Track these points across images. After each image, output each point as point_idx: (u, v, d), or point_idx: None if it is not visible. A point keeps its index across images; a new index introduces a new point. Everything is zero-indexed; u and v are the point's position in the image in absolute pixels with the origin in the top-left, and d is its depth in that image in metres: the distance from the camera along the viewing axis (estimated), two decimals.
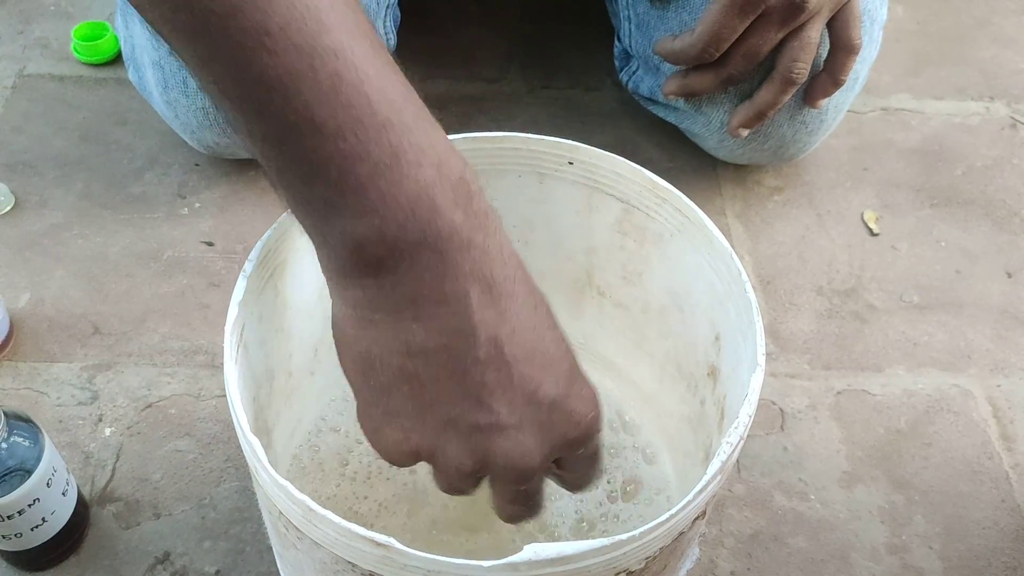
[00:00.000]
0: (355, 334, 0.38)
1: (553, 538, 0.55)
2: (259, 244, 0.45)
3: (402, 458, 0.39)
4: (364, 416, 0.39)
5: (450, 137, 0.37)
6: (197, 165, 0.80)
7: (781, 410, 0.67)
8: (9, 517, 0.51)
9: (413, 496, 0.57)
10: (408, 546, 0.34)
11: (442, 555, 0.34)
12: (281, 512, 0.38)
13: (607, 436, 0.60)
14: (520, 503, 0.40)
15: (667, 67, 0.73)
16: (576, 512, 0.56)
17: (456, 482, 0.39)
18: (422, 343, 0.36)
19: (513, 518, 0.42)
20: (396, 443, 0.38)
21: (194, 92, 0.69)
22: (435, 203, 0.35)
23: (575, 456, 0.40)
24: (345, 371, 0.39)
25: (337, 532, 0.35)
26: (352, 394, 0.40)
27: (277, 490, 0.36)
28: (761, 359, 0.42)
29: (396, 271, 0.35)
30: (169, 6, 0.32)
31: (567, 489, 0.43)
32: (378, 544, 0.34)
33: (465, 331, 0.36)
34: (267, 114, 0.33)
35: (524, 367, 0.37)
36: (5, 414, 0.51)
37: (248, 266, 0.44)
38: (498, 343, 0.36)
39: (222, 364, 0.66)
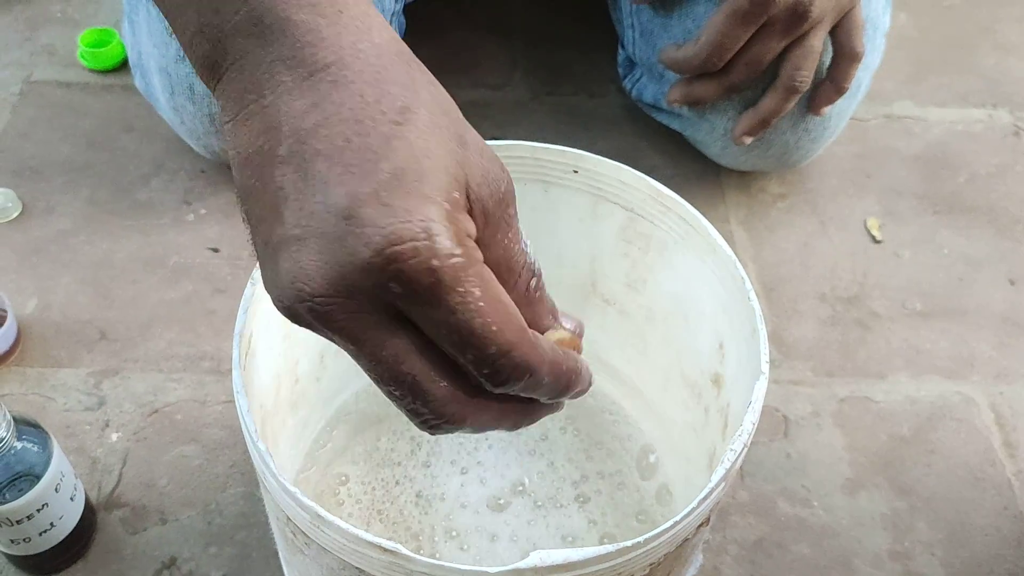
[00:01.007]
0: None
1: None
2: None
3: (284, 306, 0.31)
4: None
5: None
6: (203, 171, 0.80)
7: (784, 417, 0.67)
8: (18, 522, 0.52)
9: (420, 503, 0.57)
10: (415, 552, 0.34)
11: (449, 561, 0.34)
12: (289, 518, 0.38)
13: (611, 437, 0.61)
14: (374, 377, 0.31)
15: (671, 75, 0.74)
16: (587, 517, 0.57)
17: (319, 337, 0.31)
18: (245, 149, 0.31)
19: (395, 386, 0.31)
20: (269, 284, 0.32)
21: (200, 98, 0.70)
22: None
23: (420, 316, 0.30)
24: None
25: (345, 538, 0.35)
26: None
27: (285, 496, 0.36)
28: (765, 367, 0.42)
29: (225, 69, 0.32)
30: None
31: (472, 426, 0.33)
32: (385, 550, 0.34)
33: (273, 126, 0.31)
34: None
35: (323, 164, 0.30)
36: (15, 419, 0.51)
37: (256, 273, 0.44)
38: (301, 135, 0.30)
39: (227, 370, 0.67)
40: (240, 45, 0.31)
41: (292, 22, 0.31)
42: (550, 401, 0.35)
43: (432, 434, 0.34)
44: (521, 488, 0.58)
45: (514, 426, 0.35)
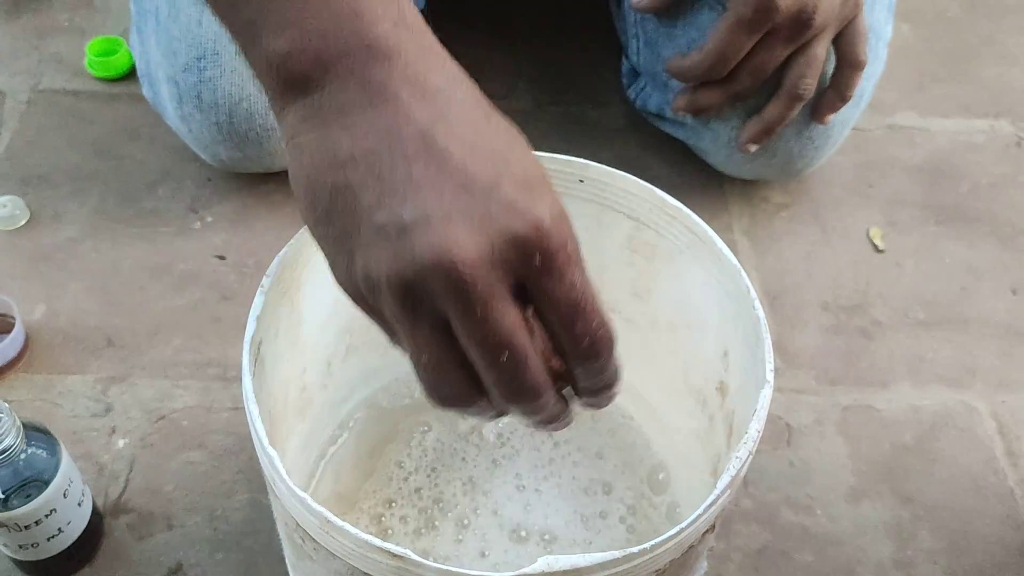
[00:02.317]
0: (295, 165, 0.35)
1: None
2: (276, 260, 0.46)
3: (350, 287, 0.35)
4: (325, 253, 0.36)
5: None
6: (209, 180, 0.81)
7: (788, 425, 0.68)
8: (26, 527, 0.52)
9: (428, 511, 0.57)
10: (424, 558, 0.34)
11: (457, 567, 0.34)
12: (298, 523, 0.38)
13: (616, 443, 0.61)
14: (487, 344, 0.33)
15: (675, 84, 0.74)
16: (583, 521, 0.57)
17: (408, 319, 0.33)
18: (349, 150, 0.33)
19: (499, 378, 0.34)
20: (342, 269, 0.34)
21: (208, 107, 0.70)
22: (359, 13, 0.34)
23: (545, 289, 0.34)
24: (301, 214, 0.36)
25: (354, 543, 0.35)
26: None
27: (294, 501, 0.37)
28: (770, 375, 0.42)
29: (322, 85, 0.34)
30: None
31: (577, 386, 0.37)
32: (394, 555, 0.34)
33: (393, 129, 0.33)
34: None
35: (458, 159, 0.33)
36: (23, 425, 0.51)
37: (266, 281, 0.45)
38: (429, 137, 0.33)
39: (233, 377, 0.68)
40: (347, 65, 0.34)
41: (405, 50, 0.34)
42: (592, 396, 0.38)
43: (512, 400, 0.35)
44: (521, 487, 0.58)
45: (555, 418, 0.38)
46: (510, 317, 0.33)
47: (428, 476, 0.59)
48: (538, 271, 0.33)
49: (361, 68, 0.34)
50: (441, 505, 0.58)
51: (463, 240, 0.32)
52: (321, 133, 0.34)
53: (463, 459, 0.60)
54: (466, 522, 0.57)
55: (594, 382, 0.37)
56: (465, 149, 0.33)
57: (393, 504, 0.58)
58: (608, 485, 0.59)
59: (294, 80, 0.34)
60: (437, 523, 0.57)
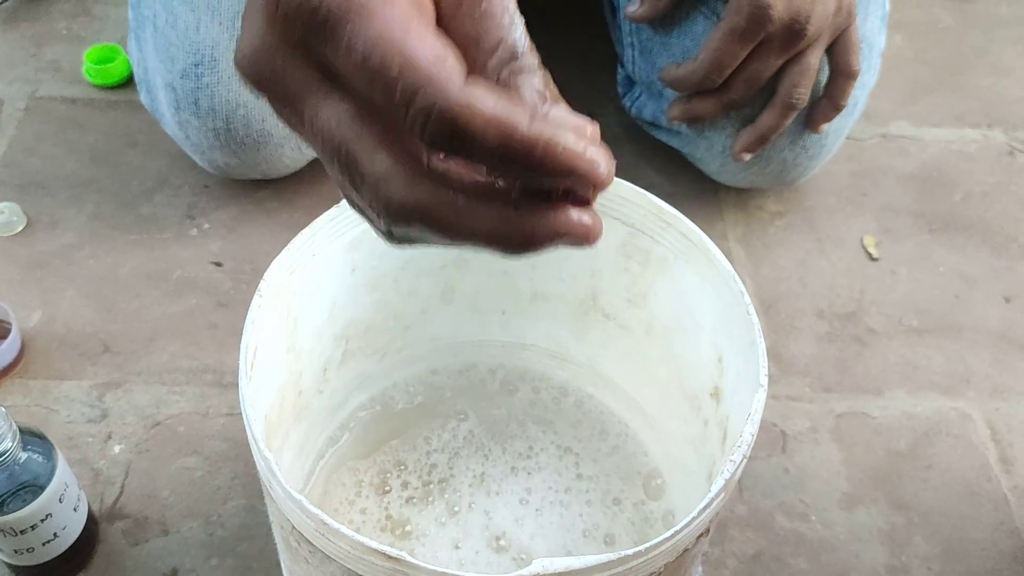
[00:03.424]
0: None
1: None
2: (273, 265, 0.46)
3: (246, 62, 0.30)
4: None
5: None
6: (206, 186, 0.81)
7: (783, 432, 0.68)
8: (22, 532, 0.52)
9: (426, 517, 0.58)
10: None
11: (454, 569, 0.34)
12: (294, 526, 0.38)
13: (612, 452, 0.61)
14: (317, 145, 0.29)
15: (670, 92, 0.75)
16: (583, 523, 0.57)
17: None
18: None
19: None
20: (241, 44, 0.30)
21: (206, 113, 0.70)
22: None
23: (334, 62, 0.27)
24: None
25: (350, 545, 0.36)
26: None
27: (291, 504, 0.37)
28: (763, 379, 0.43)
29: None
30: None
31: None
32: (390, 557, 0.35)
33: None
34: None
35: None
36: (20, 430, 0.51)
37: (262, 287, 0.45)
38: None
39: (229, 383, 0.68)
40: None
41: None
42: (539, 187, 0.28)
43: (390, 237, 0.29)
44: (525, 501, 0.58)
45: (495, 236, 0.28)
46: (320, 109, 0.28)
47: (449, 458, 0.60)
48: (307, 36, 0.28)
49: None
50: (444, 486, 0.58)
51: (244, 32, 0.29)
52: None
53: (485, 456, 0.60)
54: (456, 510, 0.58)
55: (504, 168, 0.27)
56: None
57: (403, 467, 0.59)
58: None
59: None
60: (432, 500, 0.58)
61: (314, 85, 0.28)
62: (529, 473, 0.60)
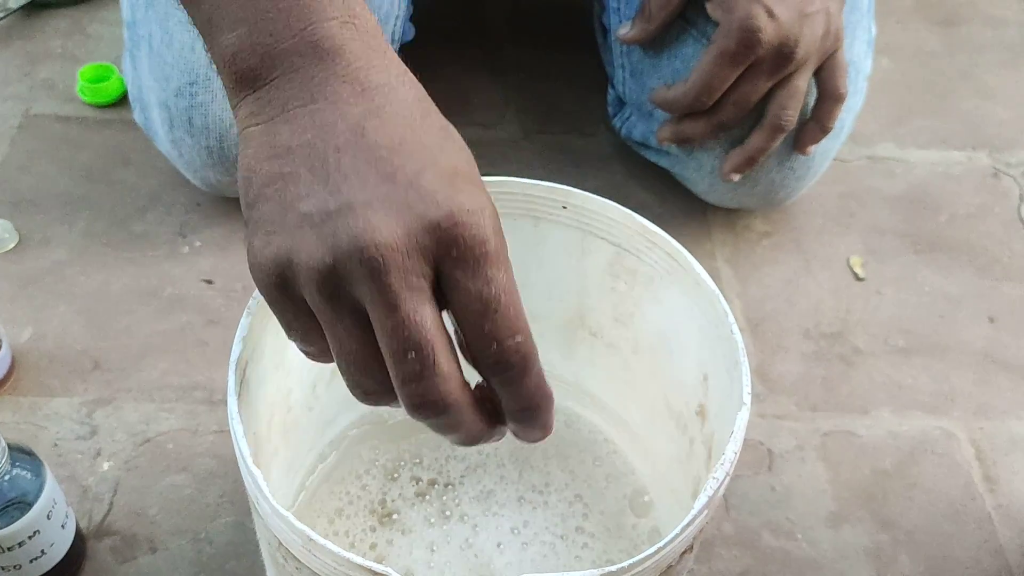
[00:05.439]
0: (242, 155, 0.36)
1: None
2: None
3: (264, 269, 0.35)
4: (247, 235, 0.36)
5: None
6: (199, 204, 0.81)
7: (769, 450, 0.68)
8: (9, 549, 0.52)
9: (411, 536, 0.58)
10: None
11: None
12: (281, 542, 0.39)
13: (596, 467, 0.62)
14: (396, 335, 0.33)
15: (660, 113, 0.76)
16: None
17: (327, 306, 0.34)
18: (286, 142, 0.35)
19: (406, 378, 0.33)
20: (258, 251, 0.35)
21: (199, 131, 0.71)
22: (307, 12, 0.35)
23: (458, 281, 0.33)
24: (241, 200, 0.37)
25: (336, 562, 0.36)
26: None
27: (278, 520, 0.37)
28: (747, 397, 0.43)
29: (270, 81, 0.36)
30: None
31: (504, 402, 0.36)
32: (376, 573, 0.35)
33: (328, 123, 0.34)
34: None
35: (386, 151, 0.34)
36: (8, 446, 0.51)
37: (252, 303, 0.45)
38: (360, 130, 0.34)
39: (219, 400, 0.68)
40: (293, 62, 0.35)
41: (349, 49, 0.35)
42: (515, 421, 0.37)
43: (416, 411, 0.35)
44: (517, 531, 0.59)
45: (474, 437, 0.36)
46: (422, 311, 0.33)
47: (464, 466, 0.61)
48: (453, 261, 0.33)
49: (305, 65, 0.35)
50: (445, 490, 0.59)
51: (381, 224, 0.32)
52: (265, 126, 0.35)
53: (501, 477, 0.61)
54: (447, 514, 0.58)
55: (512, 402, 0.36)
56: (394, 142, 0.34)
57: (419, 463, 0.61)
58: (589, 506, 0.59)
59: (244, 75, 0.36)
60: (429, 499, 0.59)
61: (423, 290, 0.33)
62: (534, 508, 0.60)
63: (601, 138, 0.90)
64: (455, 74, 0.95)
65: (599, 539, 0.58)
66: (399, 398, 0.34)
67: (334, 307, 0.33)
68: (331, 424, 0.60)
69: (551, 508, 0.59)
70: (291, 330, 0.36)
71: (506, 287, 0.34)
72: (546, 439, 0.38)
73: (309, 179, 0.34)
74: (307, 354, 0.37)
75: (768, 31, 0.65)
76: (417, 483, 0.60)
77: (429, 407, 0.34)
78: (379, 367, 0.34)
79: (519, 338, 0.34)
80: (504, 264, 0.34)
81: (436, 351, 0.33)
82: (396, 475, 0.60)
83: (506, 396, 0.36)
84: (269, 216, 0.34)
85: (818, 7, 0.66)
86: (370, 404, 0.36)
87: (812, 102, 0.72)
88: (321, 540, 0.36)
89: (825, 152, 0.77)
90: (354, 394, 0.36)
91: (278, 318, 0.36)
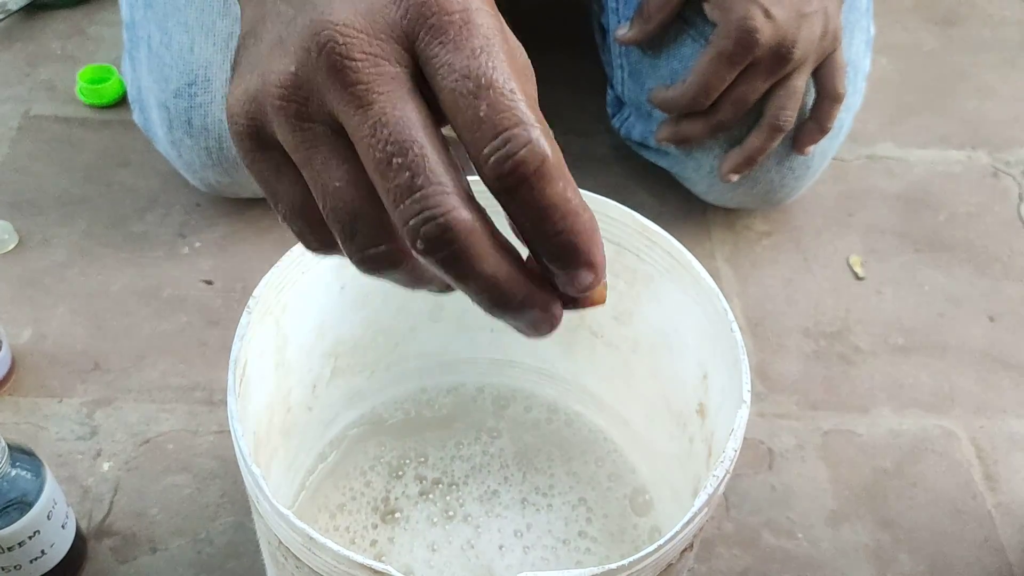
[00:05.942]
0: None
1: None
2: (262, 282, 0.47)
3: (236, 118, 0.30)
4: (228, 93, 0.31)
5: None
6: (198, 205, 0.81)
7: (769, 449, 0.68)
8: (9, 549, 0.52)
9: (411, 536, 0.58)
10: None
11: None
12: (281, 541, 0.39)
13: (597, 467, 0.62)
14: (377, 140, 0.27)
15: (659, 114, 0.76)
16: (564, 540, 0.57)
17: (298, 134, 0.28)
18: (260, 14, 0.31)
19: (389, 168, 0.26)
20: (231, 103, 0.30)
21: (198, 132, 0.71)
22: None
23: (437, 56, 0.27)
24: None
25: (336, 560, 0.36)
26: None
27: (278, 519, 0.37)
28: (746, 395, 0.43)
29: None
30: None
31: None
32: (376, 572, 0.35)
33: None
34: None
35: None
36: (9, 446, 0.52)
37: (252, 303, 0.45)
38: None
39: (219, 401, 0.68)
40: None
41: None
42: (549, 259, 0.28)
43: (422, 245, 0.27)
44: (520, 534, 0.59)
45: (499, 292, 0.28)
46: (403, 107, 0.27)
47: (471, 466, 0.61)
48: (429, 35, 0.27)
49: None
50: (450, 490, 0.59)
51: (339, 6, 0.28)
52: (255, 11, 0.32)
53: (505, 478, 0.61)
54: (451, 514, 0.58)
55: (535, 226, 0.27)
56: None
57: (424, 462, 0.61)
58: (589, 505, 0.59)
59: None
60: (432, 498, 0.59)
61: (401, 82, 0.28)
62: (538, 511, 0.60)
63: (600, 138, 0.90)
64: None
65: (601, 544, 0.58)
66: (401, 235, 0.27)
67: (306, 135, 0.28)
68: (331, 424, 0.60)
69: (555, 511, 0.59)
70: (275, 195, 0.31)
71: (500, 56, 0.27)
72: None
73: (283, 9, 0.30)
74: (299, 235, 0.31)
75: (765, 31, 0.65)
76: (421, 482, 0.60)
77: (435, 237, 0.26)
78: (371, 202, 0.28)
79: (529, 125, 0.26)
80: (496, 36, 0.28)
81: (428, 152, 0.26)
82: (401, 473, 0.60)
83: (527, 220, 0.27)
84: (244, 64, 0.31)
85: (816, 7, 0.66)
86: (377, 270, 0.29)
87: (811, 102, 0.72)
88: (321, 539, 0.36)
89: (824, 152, 0.77)
90: (355, 260, 0.29)
91: (259, 184, 0.31)
